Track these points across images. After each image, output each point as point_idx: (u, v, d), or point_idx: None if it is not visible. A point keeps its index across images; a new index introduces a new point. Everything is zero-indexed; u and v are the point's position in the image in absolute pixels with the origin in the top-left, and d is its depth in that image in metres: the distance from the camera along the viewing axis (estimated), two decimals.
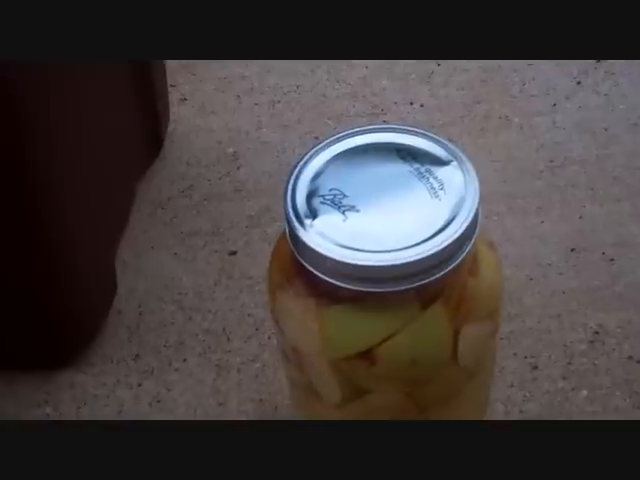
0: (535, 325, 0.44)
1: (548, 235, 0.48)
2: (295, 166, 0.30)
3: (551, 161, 0.51)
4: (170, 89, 0.56)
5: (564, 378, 0.43)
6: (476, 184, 0.29)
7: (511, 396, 0.42)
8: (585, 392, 0.42)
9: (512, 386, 0.43)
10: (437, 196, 0.29)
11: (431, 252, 0.27)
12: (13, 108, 0.35)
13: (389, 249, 0.27)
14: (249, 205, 0.51)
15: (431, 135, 0.30)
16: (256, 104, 0.57)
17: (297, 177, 0.30)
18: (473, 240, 0.28)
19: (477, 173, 0.49)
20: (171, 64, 0.58)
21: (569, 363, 0.43)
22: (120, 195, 0.49)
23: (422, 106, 0.55)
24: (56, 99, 0.38)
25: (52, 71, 0.37)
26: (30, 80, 0.35)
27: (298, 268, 0.29)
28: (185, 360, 0.44)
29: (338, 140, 0.31)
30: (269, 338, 0.44)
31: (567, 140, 0.52)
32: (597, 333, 0.44)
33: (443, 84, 0.56)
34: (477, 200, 0.28)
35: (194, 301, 0.46)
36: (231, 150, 0.54)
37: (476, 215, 0.28)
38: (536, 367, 0.43)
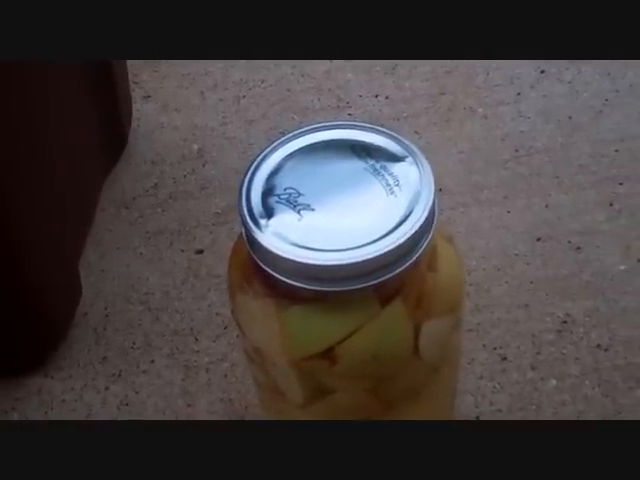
0: (503, 316, 0.44)
1: (514, 225, 0.48)
2: (250, 165, 0.30)
3: (516, 150, 0.51)
4: (133, 86, 0.56)
5: (533, 368, 0.43)
6: (431, 179, 0.28)
7: (481, 387, 0.42)
8: (554, 381, 0.42)
9: (482, 377, 0.43)
10: (393, 192, 0.28)
11: (388, 249, 0.27)
12: None
13: (345, 247, 0.27)
14: (215, 202, 0.51)
15: (386, 131, 0.30)
16: (220, 100, 0.56)
17: (252, 176, 0.30)
18: (430, 235, 0.28)
19: (443, 164, 0.49)
20: (133, 62, 0.57)
21: (538, 353, 0.43)
22: (84, 196, 0.48)
23: (387, 98, 0.55)
24: (16, 101, 0.37)
25: (10, 73, 0.36)
26: None
27: (256, 269, 0.29)
28: (153, 361, 0.43)
29: (293, 138, 0.31)
30: (237, 337, 0.44)
31: (532, 129, 0.52)
32: (565, 322, 0.44)
33: (407, 76, 0.56)
34: (433, 195, 0.28)
35: (161, 301, 0.46)
36: (196, 147, 0.54)
37: (432, 210, 0.28)
38: (505, 358, 0.43)
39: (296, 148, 0.30)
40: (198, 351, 0.44)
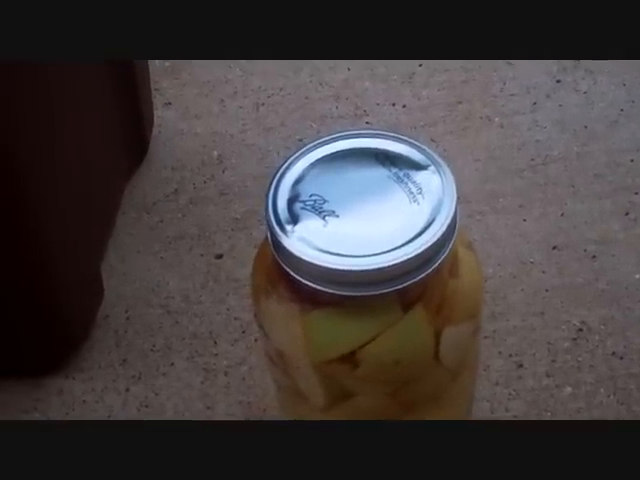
0: (519, 323, 0.45)
1: (530, 233, 0.48)
2: (276, 172, 0.31)
3: (532, 159, 0.52)
4: (154, 93, 0.57)
5: (548, 375, 0.43)
6: (453, 187, 0.29)
7: (496, 394, 0.43)
8: (569, 389, 0.43)
9: (497, 384, 0.43)
10: (416, 200, 0.29)
11: (411, 255, 0.27)
12: None
13: (369, 253, 0.28)
14: (234, 208, 0.51)
15: (409, 139, 0.31)
16: (240, 107, 0.57)
17: (278, 183, 0.30)
18: (452, 242, 0.29)
19: (459, 173, 0.50)
20: (155, 69, 0.58)
21: (553, 361, 0.44)
22: (106, 200, 0.49)
23: (404, 107, 0.56)
24: (39, 104, 0.38)
25: (33, 74, 0.37)
26: (12, 84, 0.35)
27: (281, 273, 0.29)
28: (172, 364, 0.44)
29: (318, 146, 0.31)
30: (256, 341, 0.44)
31: (548, 138, 0.53)
32: (580, 330, 0.45)
33: (424, 85, 0.57)
34: (455, 203, 0.29)
35: (181, 305, 0.47)
36: (216, 153, 0.54)
37: (454, 218, 0.29)
38: (521, 365, 0.44)
39: (320, 156, 0.31)
40: (217, 354, 0.44)
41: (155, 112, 0.56)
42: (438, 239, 0.28)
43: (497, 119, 0.54)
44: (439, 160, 0.30)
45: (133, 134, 0.52)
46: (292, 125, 0.55)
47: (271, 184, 0.30)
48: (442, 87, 0.56)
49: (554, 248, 0.48)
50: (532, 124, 0.54)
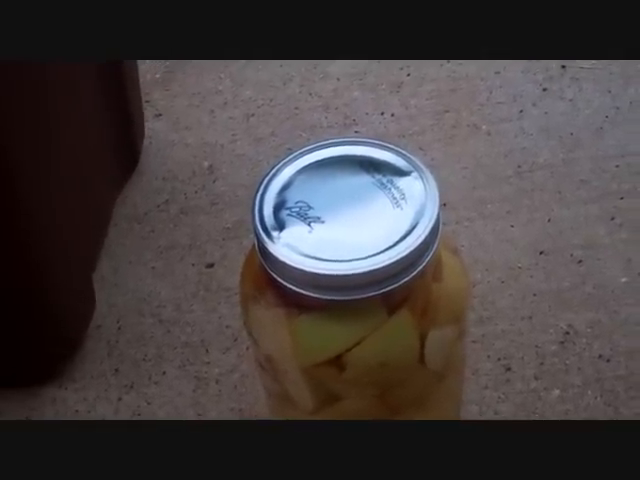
0: (507, 327, 0.45)
1: (518, 239, 0.49)
2: (262, 180, 0.31)
3: (519, 166, 0.53)
4: (144, 105, 0.57)
5: (537, 378, 0.44)
6: (436, 193, 0.30)
7: (485, 397, 0.43)
8: (557, 392, 0.43)
9: (486, 388, 0.43)
10: (399, 206, 0.30)
11: (394, 259, 0.28)
12: None
13: (353, 258, 0.28)
14: (225, 218, 0.52)
15: (392, 147, 0.31)
16: (230, 118, 0.58)
17: (264, 191, 0.31)
18: (435, 246, 0.29)
19: (447, 180, 0.50)
20: (145, 80, 0.59)
21: (541, 364, 0.44)
22: (98, 210, 0.50)
23: (393, 116, 0.56)
24: (29, 115, 0.38)
25: (24, 84, 0.37)
26: (9, 86, 0.35)
27: (268, 279, 0.30)
28: (164, 373, 0.45)
29: (303, 154, 0.32)
30: (247, 349, 0.45)
31: (534, 145, 0.53)
32: (567, 333, 0.45)
33: (413, 94, 0.57)
34: (437, 208, 0.29)
35: (172, 314, 0.47)
36: (206, 164, 0.55)
37: (437, 222, 0.29)
38: (509, 369, 0.44)
39: (306, 163, 0.31)
40: (209, 363, 0.45)
41: (146, 123, 0.56)
42: (421, 243, 0.28)
43: (484, 127, 0.55)
44: (422, 166, 0.31)
45: (124, 145, 0.53)
46: (282, 135, 0.56)
47: (258, 191, 0.31)
48: (430, 96, 0.57)
49: (541, 253, 0.48)
50: (519, 131, 0.54)
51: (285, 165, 0.31)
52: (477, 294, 0.46)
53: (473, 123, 0.55)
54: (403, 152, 0.31)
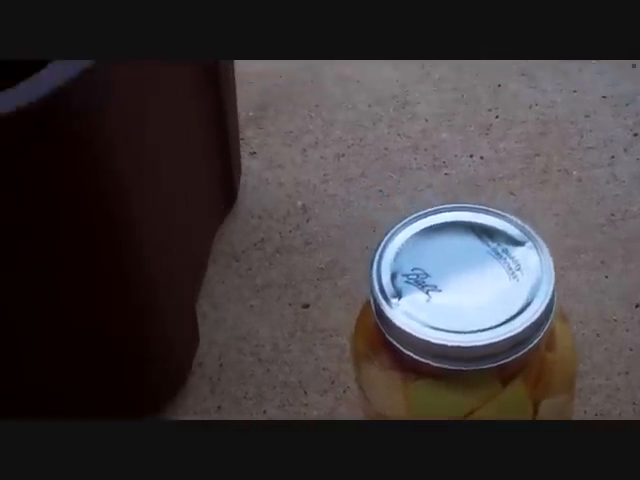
0: (604, 382, 0.46)
1: (612, 290, 0.49)
2: (378, 245, 0.32)
3: (612, 214, 0.53)
4: (240, 142, 0.59)
5: None
6: (551, 265, 0.31)
7: None
8: None
9: None
10: (515, 277, 0.31)
11: (511, 334, 0.29)
12: (96, 162, 0.35)
13: (471, 330, 0.29)
14: (319, 258, 0.53)
15: (504, 214, 0.32)
16: (321, 157, 0.59)
17: (381, 257, 0.32)
18: (550, 320, 0.30)
19: (538, 227, 0.51)
20: (240, 118, 0.61)
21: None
22: (199, 246, 0.51)
23: (482, 158, 0.57)
24: (138, 150, 0.39)
25: (133, 118, 0.38)
26: (113, 130, 0.36)
27: (383, 342, 0.31)
28: (265, 412, 0.46)
29: (416, 219, 0.33)
30: (344, 392, 0.46)
31: (627, 193, 0.54)
32: None
33: (502, 137, 0.58)
34: (553, 281, 0.30)
35: (271, 353, 0.49)
36: (300, 203, 0.57)
37: (553, 296, 0.30)
38: None
39: (419, 229, 0.33)
40: (307, 404, 0.46)
41: (242, 161, 0.58)
42: (537, 318, 0.29)
43: (575, 172, 0.55)
44: (536, 236, 0.32)
45: (224, 182, 0.54)
46: (372, 176, 0.57)
47: (374, 257, 0.32)
48: (519, 139, 0.58)
49: (637, 306, 0.48)
50: (610, 178, 0.55)
51: (398, 230, 0.33)
52: None
53: (564, 168, 0.56)
54: (516, 220, 0.32)
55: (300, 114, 0.62)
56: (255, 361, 0.48)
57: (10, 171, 0.34)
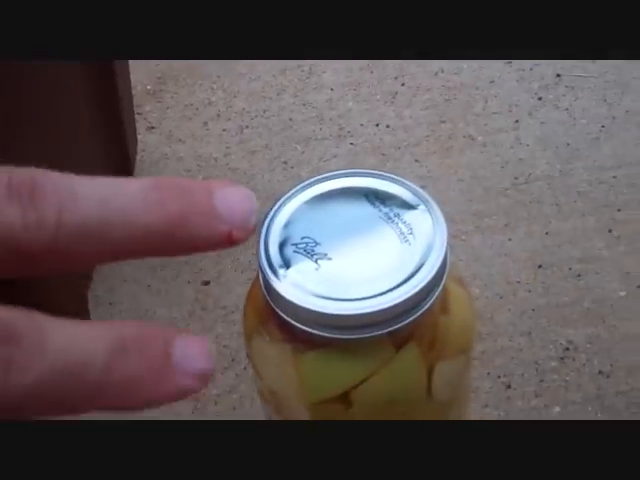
0: (507, 344, 0.45)
1: (516, 252, 0.49)
2: (266, 215, 0.31)
3: (516, 178, 0.52)
4: (137, 117, 0.57)
5: (537, 396, 0.44)
6: (444, 227, 0.29)
7: (485, 416, 0.43)
8: (558, 408, 0.43)
9: (486, 406, 0.43)
10: (407, 240, 0.29)
11: (402, 299, 0.28)
12: None
13: (361, 297, 0.28)
14: None
15: (398, 178, 0.31)
16: (224, 130, 0.57)
17: (269, 226, 0.30)
18: (443, 283, 0.29)
19: (443, 193, 0.50)
20: (137, 92, 0.58)
21: (541, 380, 0.44)
22: None
23: (388, 127, 0.56)
24: (19, 131, 0.38)
25: (15, 100, 0.36)
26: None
27: (272, 314, 0.30)
28: None
29: (307, 186, 0.31)
30: (245, 369, 0.44)
31: (530, 156, 0.53)
32: (567, 349, 0.45)
33: (407, 104, 0.57)
34: (446, 244, 0.29)
35: None
36: (200, 177, 0.54)
37: (445, 258, 0.29)
38: (509, 386, 0.44)
39: (310, 197, 0.31)
40: None
41: (138, 136, 0.56)
42: (430, 281, 0.28)
43: (480, 138, 0.55)
44: (430, 199, 0.30)
45: (117, 159, 0.52)
46: (276, 147, 0.56)
47: (262, 227, 0.30)
48: (425, 106, 0.57)
49: (540, 267, 0.48)
50: (515, 142, 0.54)
51: (289, 198, 0.31)
52: (475, 309, 0.46)
53: (469, 134, 0.55)
54: (409, 184, 0.31)
55: (201, 86, 0.59)
56: None
57: None
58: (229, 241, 0.19)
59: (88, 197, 0.17)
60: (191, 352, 0.18)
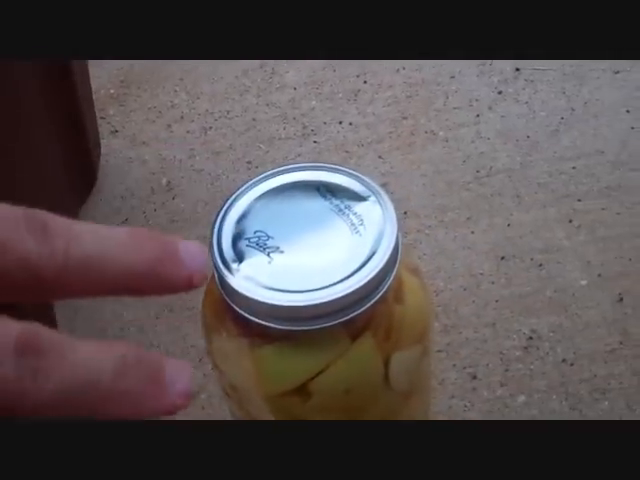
0: (471, 335, 0.46)
1: (478, 245, 0.49)
2: (219, 211, 0.31)
3: (477, 172, 0.53)
4: (100, 122, 0.57)
5: (502, 385, 0.44)
6: (394, 217, 0.30)
7: (452, 407, 0.44)
8: (523, 397, 0.44)
9: (453, 397, 0.44)
10: (357, 231, 0.29)
11: (354, 288, 0.28)
12: None
13: (314, 288, 0.28)
14: (186, 235, 0.51)
15: (349, 171, 0.31)
16: (188, 132, 0.57)
17: (222, 221, 0.30)
18: (395, 271, 0.29)
19: (407, 188, 0.50)
20: (99, 95, 0.58)
21: (506, 370, 0.45)
22: None
23: (351, 124, 0.56)
24: None
25: None
26: None
27: (228, 309, 0.30)
28: None
29: (260, 181, 0.31)
30: (212, 369, 0.44)
31: (492, 150, 0.54)
32: (531, 339, 0.46)
33: (370, 102, 0.57)
34: (396, 232, 0.29)
35: (136, 336, 0.47)
36: (165, 180, 0.55)
37: (396, 247, 0.29)
38: (475, 377, 0.45)
39: (263, 191, 0.31)
40: None
41: (102, 141, 0.56)
42: (381, 269, 0.28)
43: (441, 133, 0.55)
44: (380, 190, 0.31)
45: (80, 165, 0.52)
46: (240, 148, 0.56)
47: (215, 222, 0.30)
48: (387, 103, 0.57)
49: (502, 258, 0.49)
50: (476, 136, 0.55)
51: (242, 193, 0.31)
52: (440, 302, 0.47)
53: (430, 129, 0.55)
54: (360, 176, 0.31)
55: (164, 89, 0.60)
56: None
57: None
58: (189, 284, 0.22)
59: (89, 235, 0.21)
60: (178, 375, 0.21)
